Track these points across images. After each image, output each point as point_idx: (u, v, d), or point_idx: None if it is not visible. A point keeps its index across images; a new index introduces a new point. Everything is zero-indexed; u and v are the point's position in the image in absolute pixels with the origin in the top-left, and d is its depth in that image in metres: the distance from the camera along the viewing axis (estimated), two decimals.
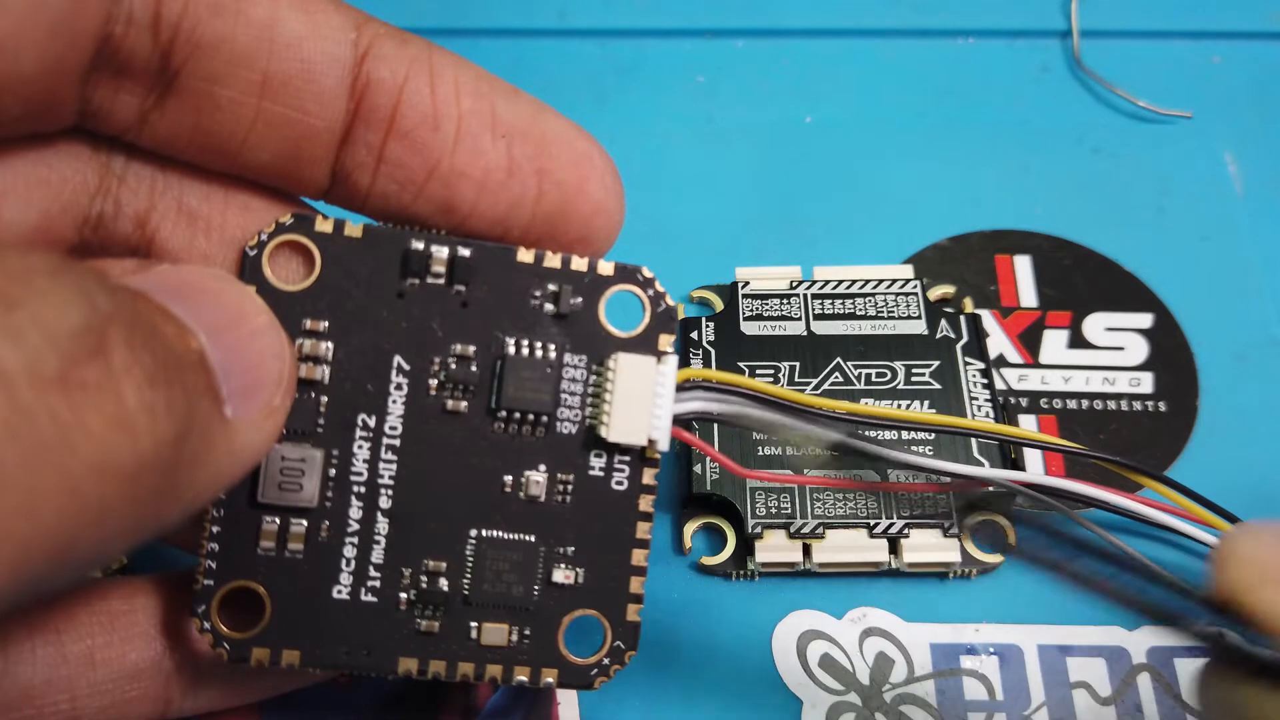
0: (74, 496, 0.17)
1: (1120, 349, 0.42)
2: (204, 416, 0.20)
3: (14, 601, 0.17)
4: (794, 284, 0.41)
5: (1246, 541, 0.24)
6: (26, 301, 0.17)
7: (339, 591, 0.27)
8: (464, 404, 0.27)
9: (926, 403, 0.38)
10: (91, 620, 0.26)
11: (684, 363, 0.39)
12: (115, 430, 0.18)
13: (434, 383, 0.27)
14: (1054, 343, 0.42)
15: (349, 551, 0.27)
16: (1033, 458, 0.39)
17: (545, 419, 0.27)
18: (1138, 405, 0.41)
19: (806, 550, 0.36)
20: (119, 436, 0.18)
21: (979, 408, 0.38)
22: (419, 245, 0.27)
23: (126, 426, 0.18)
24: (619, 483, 0.28)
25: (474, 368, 0.27)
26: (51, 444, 0.17)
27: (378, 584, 0.27)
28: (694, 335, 0.40)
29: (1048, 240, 0.45)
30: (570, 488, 0.28)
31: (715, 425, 0.37)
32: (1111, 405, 0.41)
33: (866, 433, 0.36)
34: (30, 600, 0.18)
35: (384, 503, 0.27)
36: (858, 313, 0.40)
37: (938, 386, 0.38)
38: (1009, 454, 0.38)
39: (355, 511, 0.27)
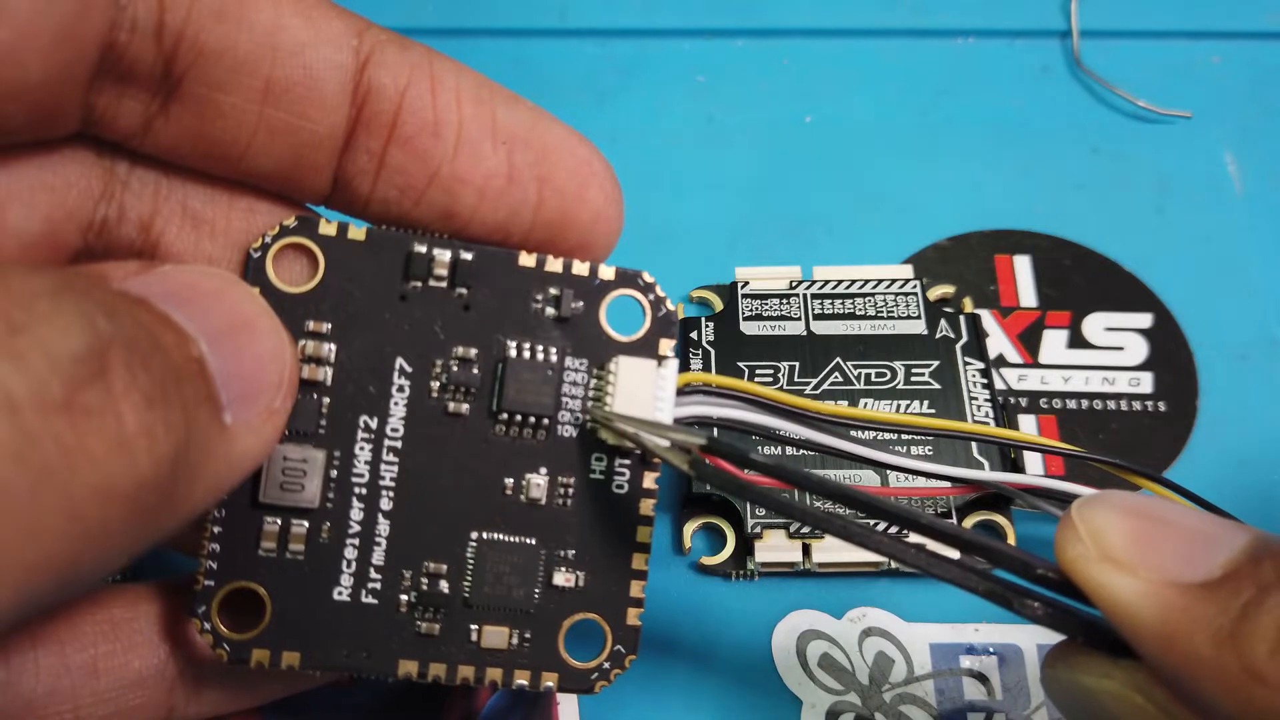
0: (76, 519, 0.17)
1: (1120, 349, 0.42)
2: (203, 427, 0.21)
3: (17, 619, 0.18)
4: (794, 284, 0.41)
5: (1091, 513, 0.24)
6: (30, 326, 0.17)
7: (339, 593, 0.27)
8: (465, 406, 0.27)
9: (926, 403, 0.38)
10: (94, 629, 0.26)
11: (684, 363, 0.39)
12: (115, 453, 0.18)
13: (435, 385, 0.27)
14: (1054, 343, 0.42)
15: (350, 553, 0.27)
16: (1033, 458, 0.39)
17: (546, 422, 0.28)
18: (1137, 405, 0.41)
19: (806, 550, 0.37)
20: (119, 459, 0.18)
21: (979, 408, 0.38)
22: (422, 248, 0.27)
23: (126, 449, 0.18)
24: (619, 486, 0.28)
25: (475, 370, 0.27)
26: (55, 468, 0.17)
27: (378, 586, 0.27)
28: (694, 335, 0.40)
29: (1048, 240, 0.45)
30: (571, 490, 0.28)
31: (715, 429, 0.37)
32: (1111, 405, 0.41)
33: (863, 434, 0.36)
34: (33, 616, 0.19)
35: (385, 504, 0.27)
36: (857, 313, 0.40)
37: (937, 386, 0.39)
38: (1009, 454, 0.38)
39: (356, 513, 0.27)
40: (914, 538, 0.27)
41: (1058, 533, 0.24)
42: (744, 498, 0.25)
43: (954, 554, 0.26)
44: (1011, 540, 0.37)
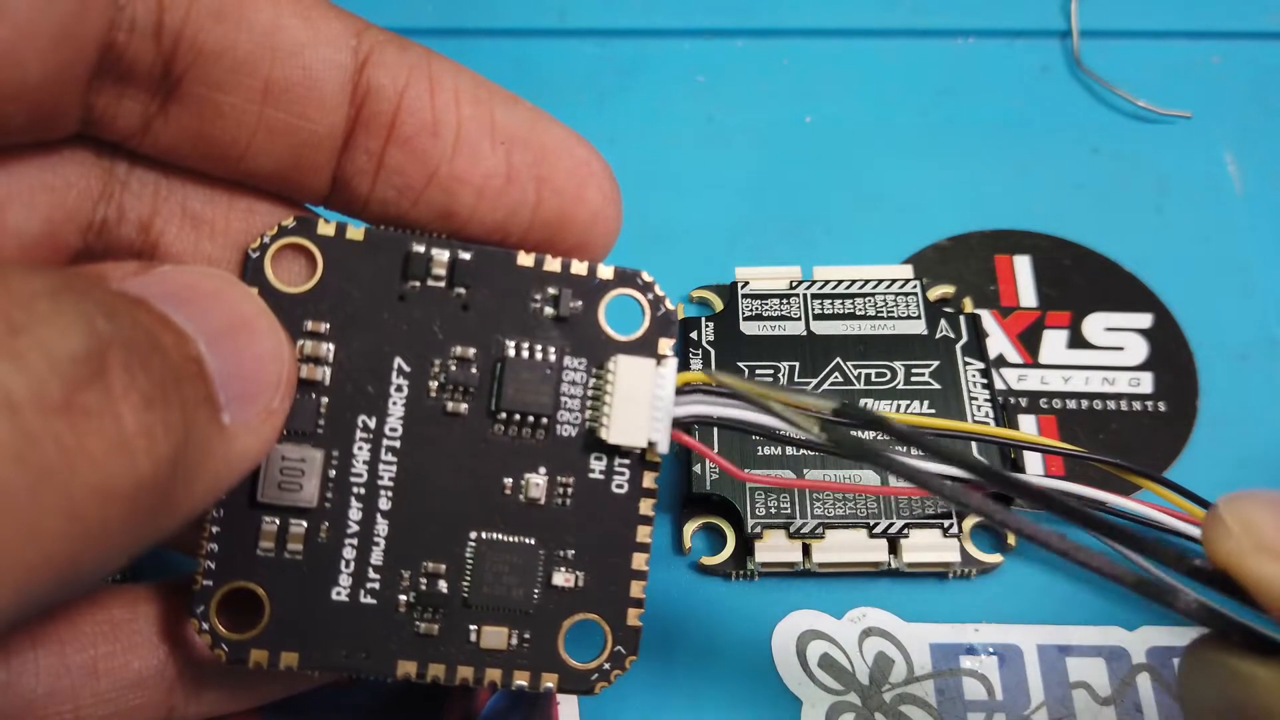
0: (75, 519, 0.18)
1: (1120, 349, 0.42)
2: (201, 428, 0.21)
3: (17, 619, 0.18)
4: (794, 284, 0.41)
5: (1241, 506, 0.23)
6: (30, 326, 0.17)
7: (338, 593, 0.27)
8: (464, 406, 0.27)
9: (926, 403, 0.38)
10: (94, 630, 0.26)
11: (684, 363, 0.39)
12: (115, 454, 0.18)
13: (434, 385, 0.27)
14: (1054, 343, 0.42)
15: (348, 553, 0.27)
16: (1033, 458, 0.39)
17: (545, 421, 0.28)
18: (1137, 405, 0.41)
19: (806, 550, 0.37)
20: (118, 460, 0.18)
21: (979, 408, 0.38)
22: (420, 248, 0.27)
23: (126, 450, 0.18)
24: (619, 486, 0.28)
25: (474, 370, 0.27)
26: (55, 469, 0.17)
27: (377, 586, 0.27)
28: (693, 335, 0.40)
29: (1048, 240, 0.45)
30: (570, 490, 0.28)
31: (715, 428, 0.37)
32: (1111, 405, 0.41)
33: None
34: (33, 616, 0.19)
35: (383, 504, 0.27)
36: (857, 313, 0.40)
37: (937, 386, 0.39)
38: (1009, 454, 0.38)
39: (355, 513, 0.27)
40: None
41: (1205, 529, 0.24)
42: (877, 466, 0.25)
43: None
44: (1011, 540, 0.37)
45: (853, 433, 0.27)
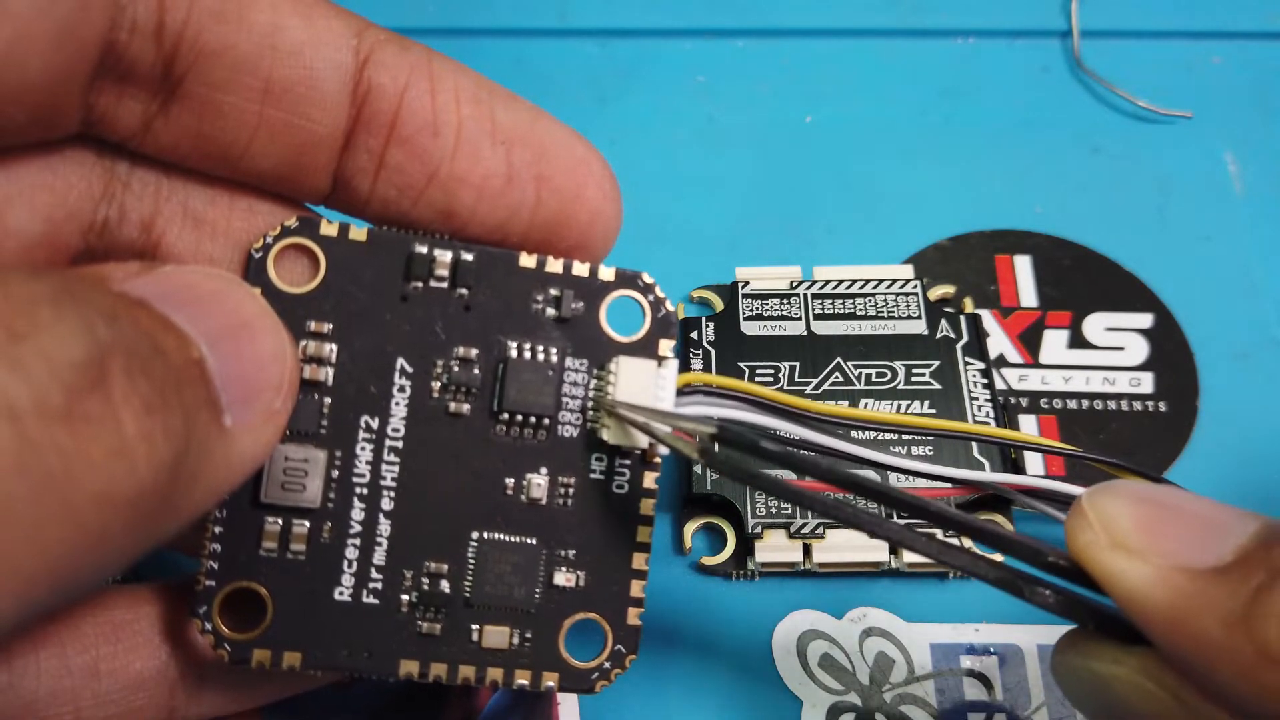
0: (76, 526, 0.18)
1: (1120, 349, 0.42)
2: (202, 431, 0.21)
3: (18, 626, 0.18)
4: (794, 284, 0.41)
5: (1102, 500, 0.24)
6: (31, 333, 0.17)
7: (341, 593, 0.27)
8: (466, 406, 0.27)
9: (926, 403, 0.38)
10: (96, 631, 0.26)
11: (684, 363, 0.39)
12: (115, 460, 0.18)
13: (436, 385, 0.27)
14: (1054, 343, 0.42)
15: (351, 553, 0.27)
16: (1033, 458, 0.39)
17: (547, 421, 0.28)
18: (1138, 405, 0.41)
19: (806, 550, 0.37)
20: (119, 466, 0.18)
21: (979, 408, 0.38)
22: (423, 249, 0.27)
23: (126, 456, 0.18)
24: (620, 486, 0.28)
25: (476, 370, 0.27)
26: (56, 476, 0.17)
27: (379, 586, 0.27)
28: (694, 335, 0.40)
29: (1048, 240, 0.45)
30: (571, 490, 0.28)
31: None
32: (1111, 405, 0.41)
33: (863, 434, 0.36)
34: (33, 621, 0.19)
35: (386, 504, 0.27)
36: (858, 313, 0.40)
37: (938, 386, 0.39)
38: (1009, 455, 0.38)
39: (357, 513, 0.27)
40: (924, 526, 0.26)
41: (1068, 520, 0.24)
42: (753, 486, 0.25)
43: (965, 542, 0.25)
44: None
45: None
